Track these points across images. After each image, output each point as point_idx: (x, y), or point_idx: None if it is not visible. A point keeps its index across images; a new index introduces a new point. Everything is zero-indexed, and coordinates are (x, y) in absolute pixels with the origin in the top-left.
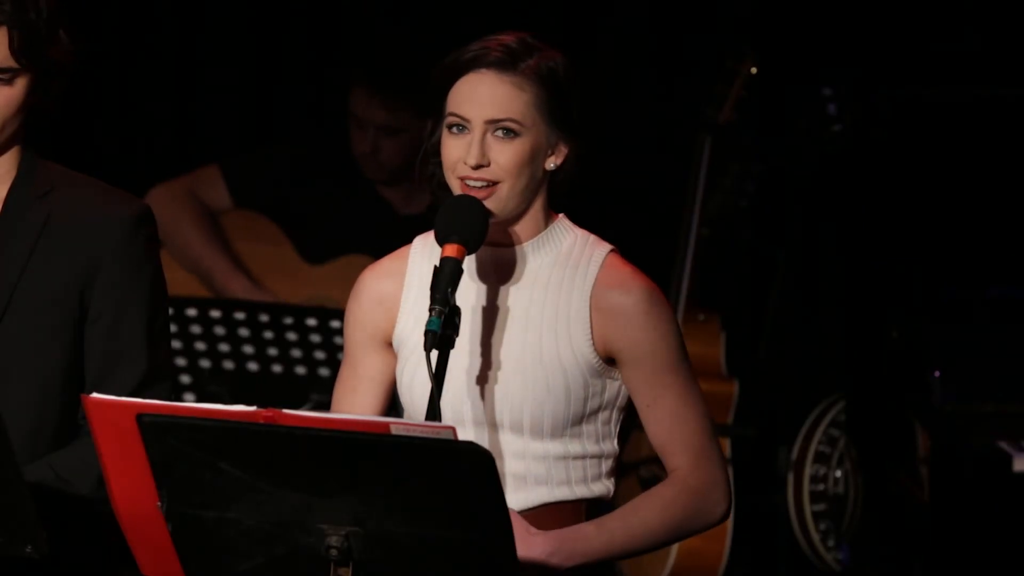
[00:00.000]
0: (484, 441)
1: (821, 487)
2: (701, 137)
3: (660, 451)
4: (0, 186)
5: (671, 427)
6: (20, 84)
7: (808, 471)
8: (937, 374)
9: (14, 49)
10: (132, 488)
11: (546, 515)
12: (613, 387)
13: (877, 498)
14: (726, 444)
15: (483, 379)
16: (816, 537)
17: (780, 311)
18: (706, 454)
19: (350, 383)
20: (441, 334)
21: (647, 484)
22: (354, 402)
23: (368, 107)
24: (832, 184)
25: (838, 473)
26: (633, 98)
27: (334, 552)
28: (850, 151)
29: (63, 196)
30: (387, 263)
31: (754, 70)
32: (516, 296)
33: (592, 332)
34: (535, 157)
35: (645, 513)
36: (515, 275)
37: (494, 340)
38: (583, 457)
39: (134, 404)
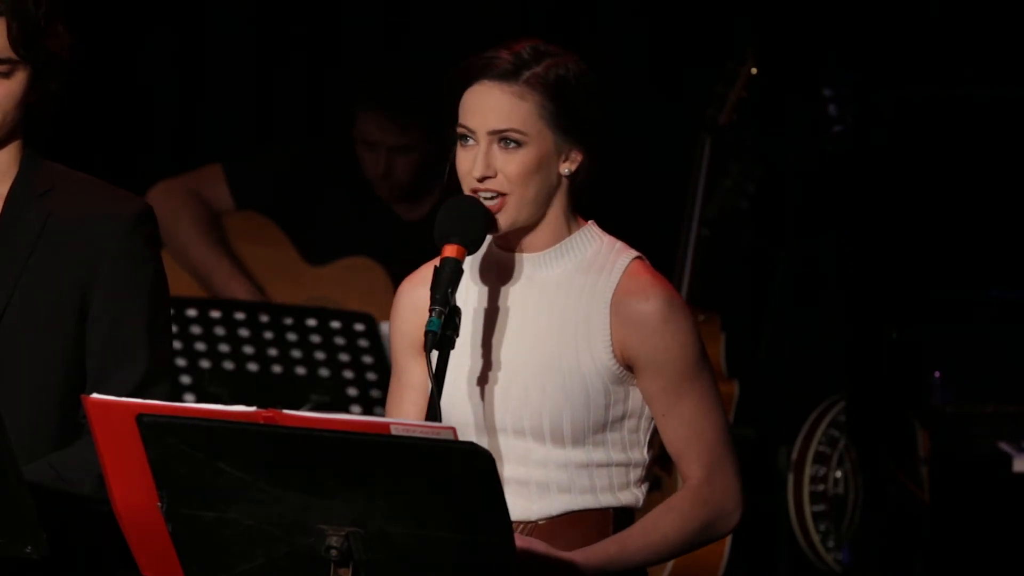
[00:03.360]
0: (505, 447)
1: (821, 487)
2: (701, 138)
3: (675, 458)
4: (0, 185)
5: (688, 436)
6: (19, 78)
7: (808, 471)
8: (937, 374)
9: (13, 39)
10: (132, 488)
11: (569, 523)
12: (638, 395)
13: (877, 498)
14: None
15: (505, 387)
16: (816, 537)
17: (780, 311)
18: (721, 464)
19: (396, 394)
20: (441, 335)
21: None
22: (398, 412)
23: (379, 130)
24: (832, 185)
25: (838, 473)
26: (634, 99)
27: (334, 553)
28: (850, 152)
29: (64, 195)
30: (424, 270)
31: (755, 71)
32: (538, 303)
33: (612, 339)
34: (542, 166)
35: (665, 530)
36: (537, 282)
37: (515, 348)
38: (607, 465)
39: (134, 404)
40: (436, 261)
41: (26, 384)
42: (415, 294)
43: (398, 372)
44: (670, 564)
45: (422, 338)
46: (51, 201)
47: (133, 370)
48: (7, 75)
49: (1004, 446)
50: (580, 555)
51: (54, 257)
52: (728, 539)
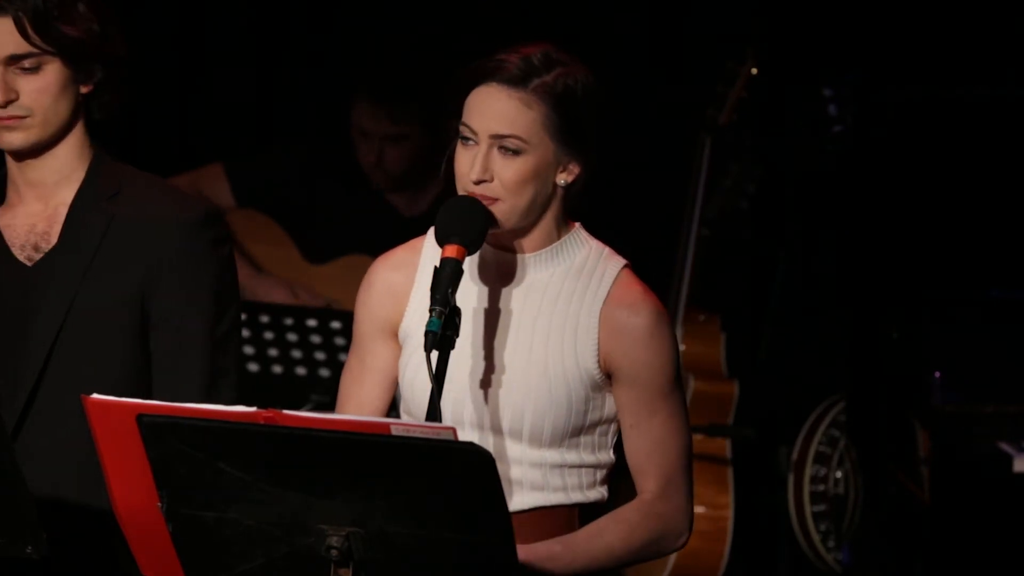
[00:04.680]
0: (481, 443)
1: (821, 487)
2: (702, 138)
3: (634, 469)
4: (67, 187)
5: (650, 451)
6: (50, 71)
7: (808, 471)
8: (937, 374)
9: (26, 34)
10: (132, 488)
11: (539, 518)
12: (612, 401)
13: (877, 498)
14: (726, 444)
15: (486, 384)
16: (816, 537)
17: (780, 311)
18: (677, 483)
19: (357, 373)
20: (441, 335)
21: None
22: (360, 393)
23: (373, 119)
24: (832, 184)
25: (838, 473)
26: (634, 99)
27: (334, 553)
28: (850, 151)
29: (129, 198)
30: (400, 253)
31: (755, 71)
32: (525, 305)
33: (599, 348)
34: (539, 175)
35: (610, 538)
36: (526, 284)
37: (500, 347)
38: (579, 466)
39: (134, 404)
40: (412, 244)
41: (90, 389)
42: (387, 276)
43: (361, 353)
44: (670, 565)
45: (393, 322)
46: (116, 204)
47: (198, 374)
48: (35, 69)
49: (1004, 446)
50: (522, 550)
51: (117, 261)
52: (728, 539)
